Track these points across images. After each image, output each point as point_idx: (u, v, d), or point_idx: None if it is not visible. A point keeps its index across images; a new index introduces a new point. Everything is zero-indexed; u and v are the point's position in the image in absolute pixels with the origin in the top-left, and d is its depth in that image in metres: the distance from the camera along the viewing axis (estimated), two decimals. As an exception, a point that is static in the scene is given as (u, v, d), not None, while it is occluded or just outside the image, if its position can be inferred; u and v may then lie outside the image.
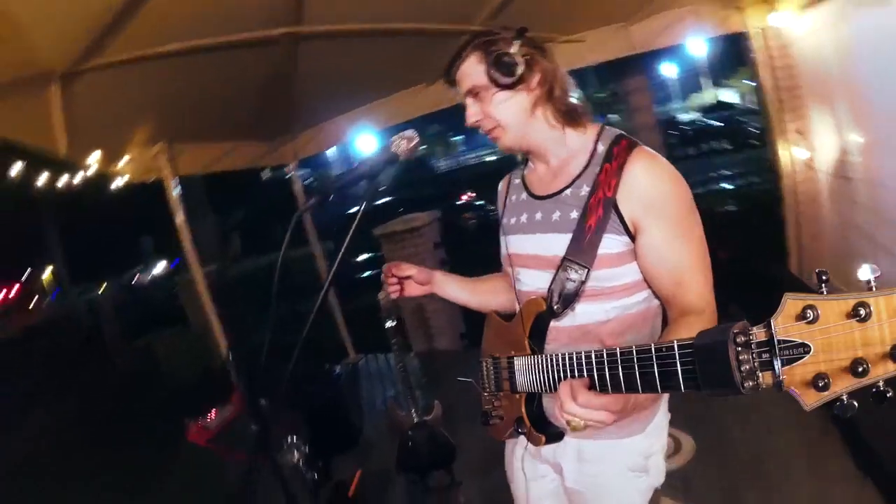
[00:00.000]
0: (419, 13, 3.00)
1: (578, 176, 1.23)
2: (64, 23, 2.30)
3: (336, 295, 5.42)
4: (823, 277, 0.63)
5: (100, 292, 15.84)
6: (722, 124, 16.44)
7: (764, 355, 0.67)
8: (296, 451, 2.05)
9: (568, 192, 1.24)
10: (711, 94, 21.54)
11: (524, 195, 1.38)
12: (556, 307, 1.20)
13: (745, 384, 0.67)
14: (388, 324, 2.60)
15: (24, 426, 6.39)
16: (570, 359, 1.03)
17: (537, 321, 1.23)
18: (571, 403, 0.95)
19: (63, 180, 5.53)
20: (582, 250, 1.16)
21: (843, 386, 0.61)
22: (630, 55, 4.05)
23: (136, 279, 18.31)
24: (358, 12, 2.79)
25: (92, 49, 2.49)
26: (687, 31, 3.81)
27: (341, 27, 2.88)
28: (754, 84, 5.16)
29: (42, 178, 5.72)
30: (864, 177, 3.10)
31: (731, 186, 10.79)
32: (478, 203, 14.29)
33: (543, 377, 1.14)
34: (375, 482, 3.20)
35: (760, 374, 0.67)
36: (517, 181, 1.45)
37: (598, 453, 1.31)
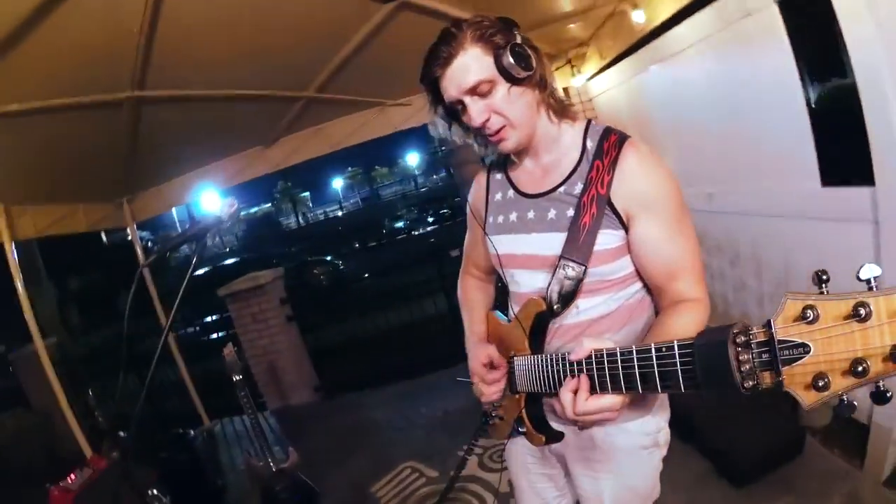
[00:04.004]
0: (257, 82, 3.23)
1: (571, 173, 1.19)
2: None
3: (185, 364, 5.21)
4: (824, 277, 0.64)
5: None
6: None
7: (764, 355, 0.66)
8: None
9: (562, 189, 1.20)
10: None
11: (511, 193, 1.32)
12: (555, 307, 1.17)
13: (746, 384, 0.67)
14: (235, 377, 2.67)
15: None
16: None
17: (537, 321, 1.20)
18: (574, 407, 0.96)
19: None
20: (578, 248, 1.14)
21: (842, 386, 0.61)
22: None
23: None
24: (199, 79, 2.92)
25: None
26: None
27: (183, 92, 2.99)
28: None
29: None
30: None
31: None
32: (327, 258, 14.44)
33: (543, 377, 1.13)
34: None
35: (761, 374, 0.67)
36: (499, 176, 1.37)
37: (608, 440, 1.29)
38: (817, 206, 2.33)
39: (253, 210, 47.47)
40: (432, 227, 21.46)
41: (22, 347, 5.07)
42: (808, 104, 2.32)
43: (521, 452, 1.51)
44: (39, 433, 5.42)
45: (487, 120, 1.15)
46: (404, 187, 55.08)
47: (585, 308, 1.21)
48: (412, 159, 55.34)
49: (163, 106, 3.09)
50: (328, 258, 14.57)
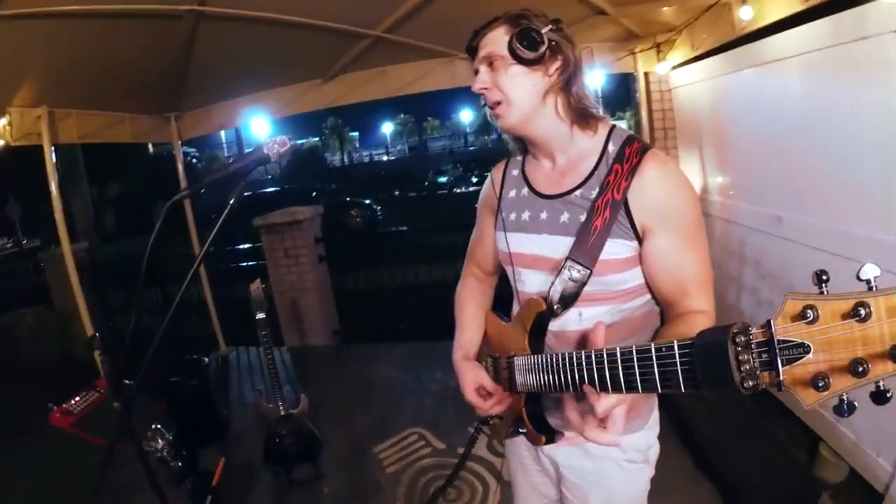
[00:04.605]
0: (325, 12, 3.09)
1: (589, 177, 1.21)
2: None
3: (210, 286, 5.29)
4: (824, 277, 0.64)
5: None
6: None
7: (764, 355, 0.67)
8: (160, 439, 2.04)
9: (578, 193, 1.21)
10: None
11: (526, 191, 1.34)
12: (556, 307, 1.19)
13: (745, 384, 0.68)
14: (259, 315, 2.66)
15: None
16: (570, 358, 1.02)
17: (537, 321, 1.21)
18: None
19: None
20: (585, 251, 1.15)
21: (842, 386, 0.62)
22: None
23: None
24: (264, 0, 2.82)
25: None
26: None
27: (247, 12, 2.89)
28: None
29: None
30: (719, 214, 3.71)
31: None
32: (366, 202, 14.49)
33: (543, 377, 1.13)
34: (242, 474, 3.23)
35: (760, 374, 0.68)
36: (515, 172, 1.39)
37: (600, 452, 1.30)
38: (890, 259, 2.12)
39: (300, 142, 47.79)
40: (475, 189, 21.36)
41: (56, 247, 5.19)
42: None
43: (518, 450, 1.57)
44: (57, 333, 5.65)
45: (487, 90, 1.22)
46: (453, 143, 55.00)
47: (588, 317, 1.22)
48: (466, 116, 54.87)
49: (223, 24, 3.01)
50: (367, 201, 14.63)
